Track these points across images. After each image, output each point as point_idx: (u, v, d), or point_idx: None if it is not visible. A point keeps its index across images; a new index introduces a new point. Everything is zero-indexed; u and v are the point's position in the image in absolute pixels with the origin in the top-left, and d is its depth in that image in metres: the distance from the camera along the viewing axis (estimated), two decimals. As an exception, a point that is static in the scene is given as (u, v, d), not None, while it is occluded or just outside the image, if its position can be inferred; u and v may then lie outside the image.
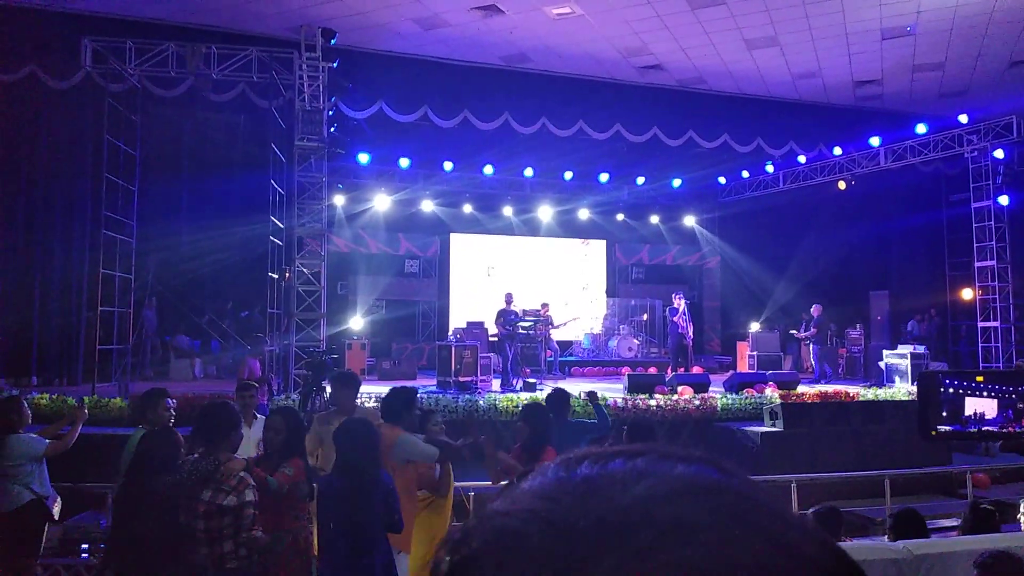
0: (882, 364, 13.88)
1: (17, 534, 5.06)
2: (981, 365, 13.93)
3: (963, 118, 13.96)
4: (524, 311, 14.55)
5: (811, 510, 5.02)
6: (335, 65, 10.78)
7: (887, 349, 14.25)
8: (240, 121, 11.89)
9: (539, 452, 4.41)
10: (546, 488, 0.41)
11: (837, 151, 15.41)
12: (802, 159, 15.92)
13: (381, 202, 17.03)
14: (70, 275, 12.29)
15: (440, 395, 10.58)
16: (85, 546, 6.61)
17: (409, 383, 12.69)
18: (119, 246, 10.78)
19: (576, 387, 10.99)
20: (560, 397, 5.57)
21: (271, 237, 11.16)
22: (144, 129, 11.08)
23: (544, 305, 15.04)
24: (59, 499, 5.42)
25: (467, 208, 17.83)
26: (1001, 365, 13.52)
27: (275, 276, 11.15)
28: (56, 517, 5.42)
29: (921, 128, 14.45)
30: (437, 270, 18.14)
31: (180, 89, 10.84)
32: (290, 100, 10.85)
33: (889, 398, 11.51)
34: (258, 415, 5.91)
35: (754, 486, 0.42)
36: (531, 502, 0.40)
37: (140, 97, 10.92)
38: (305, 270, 11.11)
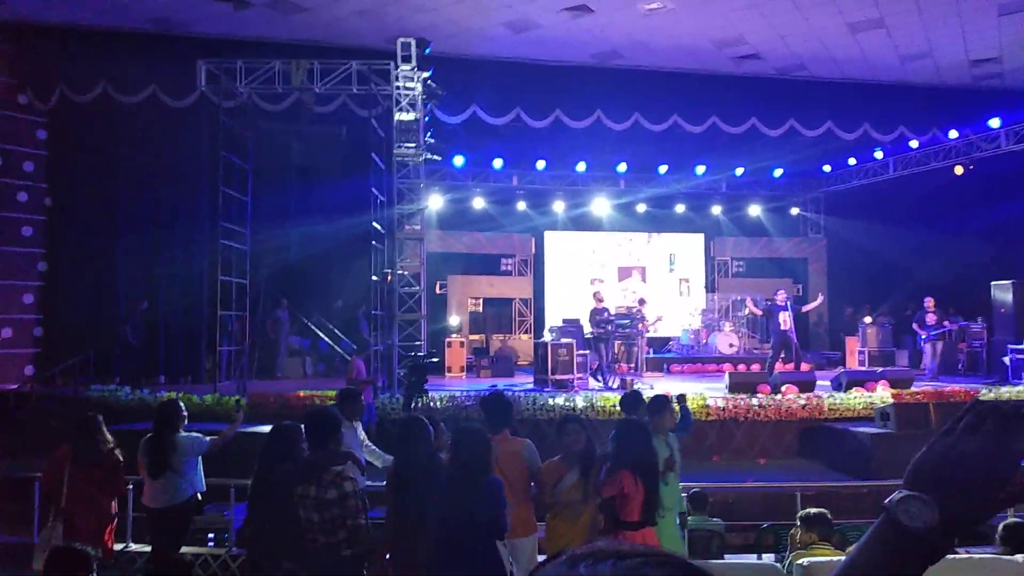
0: (1007, 360, 13.03)
1: (175, 526, 5.47)
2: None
3: (1096, 93, 12.89)
4: (619, 308, 14.51)
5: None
6: (430, 73, 11.06)
7: (1012, 343, 13.36)
8: (342, 131, 12.40)
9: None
10: None
11: (953, 134, 14.53)
12: (914, 144, 15.10)
13: (476, 202, 17.35)
14: (191, 281, 13.19)
15: (537, 393, 10.70)
16: (211, 535, 7.11)
17: (507, 381, 12.93)
18: (234, 253, 11.46)
19: (675, 386, 10.91)
20: (632, 398, 6.07)
21: (373, 242, 11.59)
22: (254, 142, 11.73)
23: (641, 301, 14.92)
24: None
25: (560, 206, 17.90)
26: None
27: (377, 279, 11.57)
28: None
29: (1047, 106, 13.44)
30: (532, 267, 18.29)
31: (286, 103, 11.40)
32: (388, 109, 11.22)
33: (1015, 397, 10.81)
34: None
35: None
36: None
37: (250, 113, 11.57)
38: (405, 272, 11.48)
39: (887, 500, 0.82)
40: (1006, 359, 13.07)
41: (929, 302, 13.44)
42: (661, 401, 5.66)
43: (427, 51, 10.86)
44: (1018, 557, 3.71)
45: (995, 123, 14.01)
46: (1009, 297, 15.00)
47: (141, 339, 12.63)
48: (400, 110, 10.99)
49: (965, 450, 0.81)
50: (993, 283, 15.49)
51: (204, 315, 12.76)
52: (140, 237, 13.10)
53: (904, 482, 0.83)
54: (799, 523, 5.21)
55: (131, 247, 13.02)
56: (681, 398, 6.22)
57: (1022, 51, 12.50)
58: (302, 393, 10.32)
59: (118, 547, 6.32)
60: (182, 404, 5.76)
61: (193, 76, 10.92)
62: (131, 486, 6.20)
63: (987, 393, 11.02)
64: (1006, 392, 11.13)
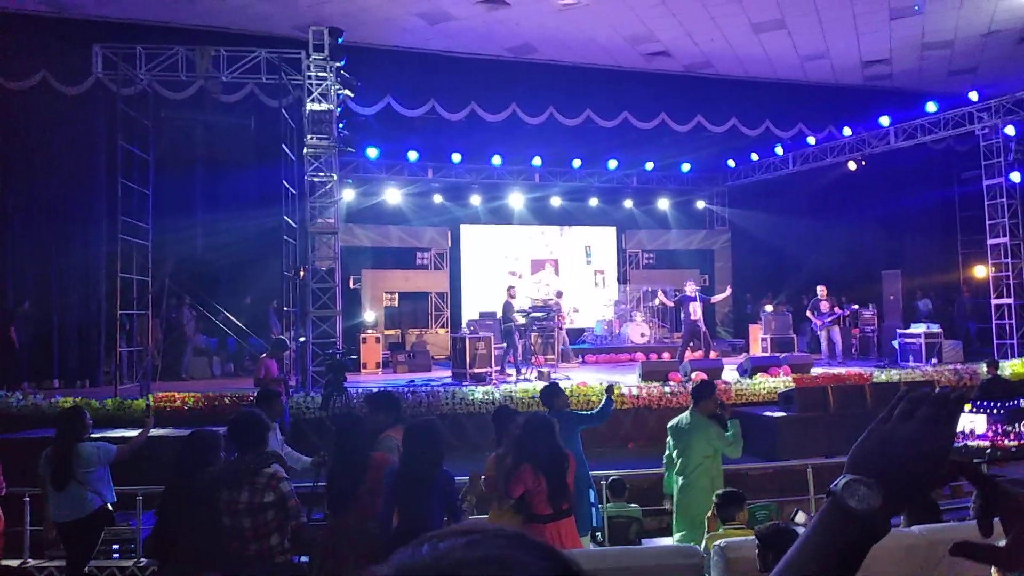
0: (895, 344, 13.89)
1: (84, 539, 5.17)
2: (995, 342, 13.91)
3: (973, 95, 13.84)
4: (535, 301, 14.65)
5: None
6: (342, 63, 10.82)
7: (900, 328, 14.26)
8: (250, 121, 11.97)
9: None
10: (398, 561, 0.64)
11: (847, 131, 15.35)
12: (811, 140, 15.87)
13: (391, 195, 17.12)
14: (88, 278, 12.45)
15: (456, 387, 10.69)
16: (116, 547, 6.76)
17: (424, 375, 12.85)
18: (135, 248, 10.91)
19: (590, 376, 11.11)
20: (551, 391, 6.06)
21: (284, 237, 11.26)
22: (156, 132, 11.17)
23: (559, 293, 15.12)
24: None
25: (476, 199, 17.90)
26: (1016, 342, 13.51)
27: (289, 275, 11.26)
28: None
29: (931, 107, 14.36)
30: (448, 261, 18.21)
31: (190, 92, 10.92)
32: (299, 99, 10.92)
33: (904, 378, 11.55)
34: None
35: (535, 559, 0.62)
36: (389, 570, 0.64)
37: (151, 101, 11.01)
38: (320, 267, 11.21)
39: (832, 485, 0.86)
40: (895, 343, 13.94)
41: (821, 290, 14.14)
42: (706, 387, 5.54)
43: (340, 40, 10.62)
44: (915, 529, 3.95)
45: (885, 121, 14.88)
46: (897, 285, 16.03)
47: (26, 340, 11.85)
48: (312, 100, 10.72)
49: (901, 435, 0.86)
50: (883, 272, 16.51)
51: (102, 314, 12.08)
52: (31, 233, 12.26)
53: (847, 467, 0.87)
54: (713, 505, 5.41)
55: (21, 243, 12.19)
56: (609, 389, 6.38)
57: (910, 53, 13.33)
58: (211, 394, 9.96)
59: (14, 563, 5.95)
60: (86, 412, 5.44)
61: (88, 61, 10.30)
62: (28, 498, 5.84)
63: (879, 375, 11.73)
64: (896, 374, 11.88)
